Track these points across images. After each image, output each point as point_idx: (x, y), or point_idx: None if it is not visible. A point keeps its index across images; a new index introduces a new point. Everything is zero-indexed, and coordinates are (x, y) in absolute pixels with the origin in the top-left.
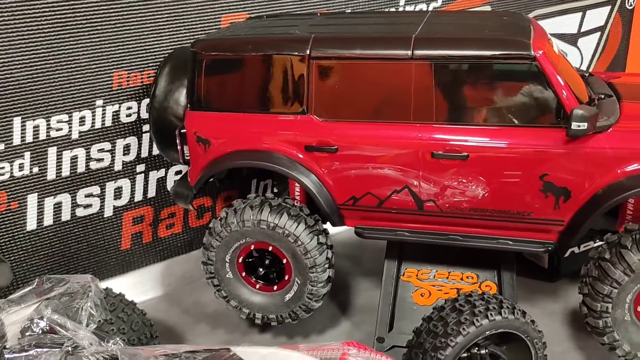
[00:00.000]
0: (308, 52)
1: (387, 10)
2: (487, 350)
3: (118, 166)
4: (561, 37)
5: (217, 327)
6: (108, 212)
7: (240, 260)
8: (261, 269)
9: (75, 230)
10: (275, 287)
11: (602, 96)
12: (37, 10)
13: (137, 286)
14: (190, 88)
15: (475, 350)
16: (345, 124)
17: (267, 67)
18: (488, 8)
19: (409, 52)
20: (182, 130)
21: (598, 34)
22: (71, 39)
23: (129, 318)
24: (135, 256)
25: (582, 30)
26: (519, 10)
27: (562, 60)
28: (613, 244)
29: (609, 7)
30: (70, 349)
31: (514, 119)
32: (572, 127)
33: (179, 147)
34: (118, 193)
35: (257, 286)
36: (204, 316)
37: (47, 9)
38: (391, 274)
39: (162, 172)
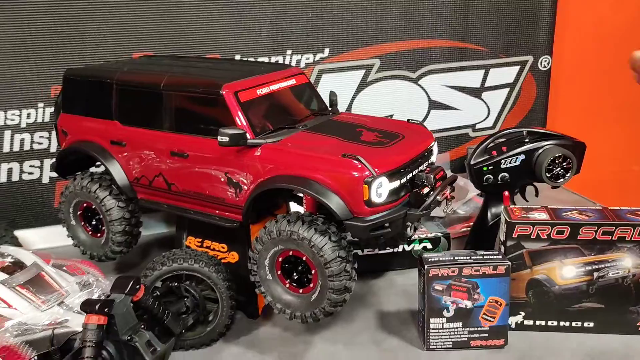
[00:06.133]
0: (115, 80)
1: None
2: (177, 284)
3: (53, 148)
4: (464, 89)
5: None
6: (45, 179)
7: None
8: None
9: (22, 189)
10: (98, 234)
11: (299, 126)
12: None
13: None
14: (62, 97)
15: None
16: (131, 128)
17: (96, 87)
18: (377, 61)
19: (162, 85)
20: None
21: (506, 89)
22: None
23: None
24: None
25: (486, 85)
26: (411, 65)
27: (267, 99)
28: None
29: (518, 67)
30: None
31: (213, 132)
32: (218, 139)
33: (57, 137)
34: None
35: (90, 232)
36: None
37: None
38: (180, 241)
39: None
